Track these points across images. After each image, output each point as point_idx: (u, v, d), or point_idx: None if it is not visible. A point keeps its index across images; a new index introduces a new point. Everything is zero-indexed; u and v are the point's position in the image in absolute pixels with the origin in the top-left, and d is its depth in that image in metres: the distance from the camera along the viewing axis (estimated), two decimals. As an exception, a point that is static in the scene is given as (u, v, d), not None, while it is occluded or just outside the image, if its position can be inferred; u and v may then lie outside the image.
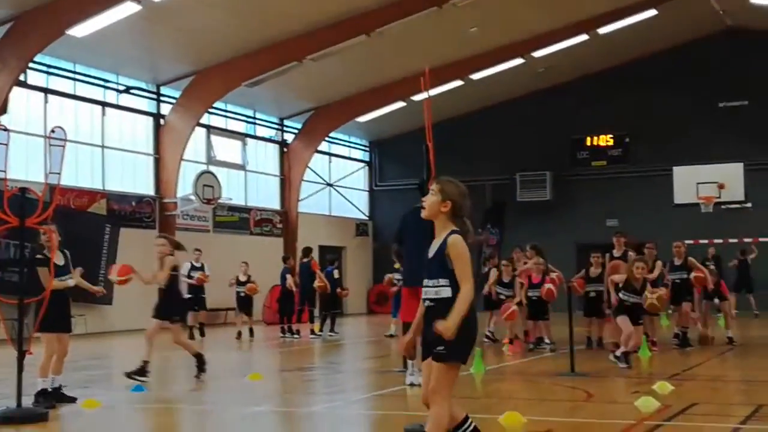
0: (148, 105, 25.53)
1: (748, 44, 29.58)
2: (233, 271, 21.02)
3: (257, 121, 29.91)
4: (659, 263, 15.36)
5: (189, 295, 20.36)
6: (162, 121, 25.50)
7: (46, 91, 22.34)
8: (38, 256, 9.47)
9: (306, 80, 26.88)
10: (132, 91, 24.77)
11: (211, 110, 26.87)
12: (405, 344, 6.01)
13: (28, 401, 9.00)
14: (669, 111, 30.29)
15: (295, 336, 20.13)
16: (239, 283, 20.79)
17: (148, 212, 24.83)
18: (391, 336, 18.98)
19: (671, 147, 29.23)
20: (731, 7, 28.50)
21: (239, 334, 20.15)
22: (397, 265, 18.14)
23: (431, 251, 5.50)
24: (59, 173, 9.71)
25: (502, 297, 16.23)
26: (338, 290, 21.28)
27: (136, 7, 19.51)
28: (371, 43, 24.54)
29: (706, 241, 25.46)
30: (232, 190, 27.79)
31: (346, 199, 34.08)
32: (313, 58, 24.69)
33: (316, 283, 20.21)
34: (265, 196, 30.07)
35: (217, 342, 19.92)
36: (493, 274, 16.79)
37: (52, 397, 9.41)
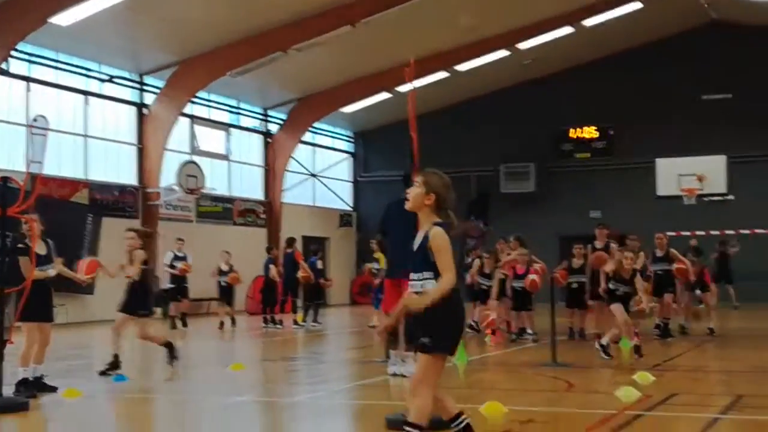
0: (131, 94, 25.39)
1: (732, 37, 29.70)
2: (216, 262, 20.97)
3: (241, 111, 29.81)
4: (642, 254, 15.42)
5: (172, 285, 20.38)
6: (145, 111, 25.38)
7: (29, 79, 22.19)
8: (19, 245, 9.42)
9: (291, 70, 26.80)
10: (115, 80, 24.64)
11: (194, 100, 26.77)
12: (383, 329, 6.11)
13: (9, 390, 8.96)
14: (653, 103, 30.39)
15: (278, 326, 20.12)
16: (221, 273, 20.75)
17: (130, 202, 24.74)
18: (374, 327, 19.00)
19: (655, 139, 29.35)
20: (715, 1, 28.62)
21: (221, 324, 20.12)
22: (375, 255, 18.20)
23: (415, 244, 5.55)
24: (41, 162, 9.67)
25: (483, 287, 16.22)
26: (321, 281, 21.27)
27: (119, -4, 19.42)
28: (356, 33, 24.48)
29: (688, 233, 25.58)
30: (216, 180, 27.70)
31: (330, 189, 34.04)
32: (297, 48, 24.63)
33: (300, 274, 20.20)
34: (249, 186, 30.00)
35: (200, 332, 19.91)
36: (476, 265, 16.81)
37: (33, 387, 9.38)
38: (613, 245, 15.19)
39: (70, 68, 23.35)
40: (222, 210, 28.33)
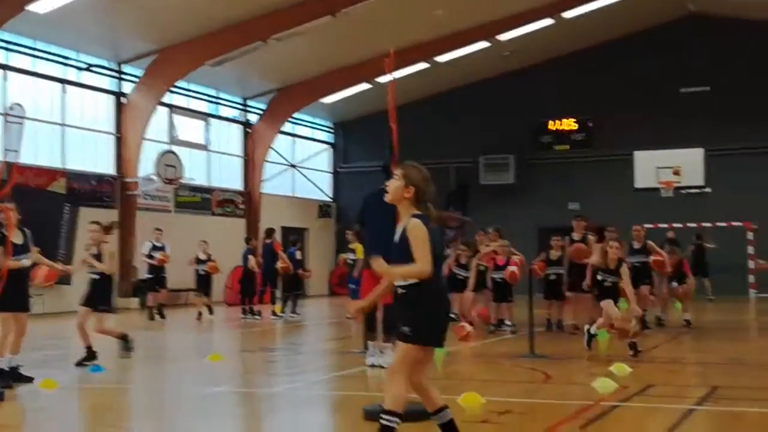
0: (109, 83, 25.21)
1: (710, 30, 29.84)
2: (195, 252, 20.90)
3: (221, 101, 29.68)
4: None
5: (149, 276, 20.29)
6: (123, 100, 25.21)
7: (5, 67, 21.97)
8: (-5, 234, 9.36)
9: (270, 60, 26.70)
10: (93, 68, 24.45)
11: (173, 89, 26.61)
12: (359, 309, 6.19)
13: (-16, 381, 8.91)
14: (632, 96, 30.51)
15: (257, 317, 20.09)
16: (198, 262, 20.69)
17: (108, 192, 24.58)
18: (351, 318, 18.99)
19: (633, 132, 29.46)
20: (694, -7, 28.78)
21: (200, 315, 20.07)
22: (351, 246, 18.18)
23: (396, 236, 5.60)
24: (17, 151, 9.59)
25: (459, 277, 16.22)
26: (300, 272, 21.24)
27: (97, -16, 19.27)
28: (337, 23, 24.41)
29: (665, 225, 25.74)
30: (195, 170, 27.58)
31: (309, 180, 33.98)
32: (278, 38, 24.53)
33: (279, 264, 20.17)
34: (228, 176, 29.89)
35: (178, 323, 19.84)
36: (452, 255, 16.82)
37: (9, 377, 9.33)
38: (591, 237, 15.26)
39: (47, 56, 23.14)
40: (201, 200, 28.22)
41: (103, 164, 24.87)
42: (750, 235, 28.51)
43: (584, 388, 8.79)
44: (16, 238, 9.50)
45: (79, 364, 10.84)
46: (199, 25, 23.63)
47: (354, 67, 28.64)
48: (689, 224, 27.29)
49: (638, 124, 29.80)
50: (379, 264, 5.54)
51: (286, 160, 32.85)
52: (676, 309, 17.92)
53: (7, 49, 21.96)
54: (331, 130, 35.48)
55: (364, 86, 30.12)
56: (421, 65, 29.15)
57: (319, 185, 34.57)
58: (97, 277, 11.02)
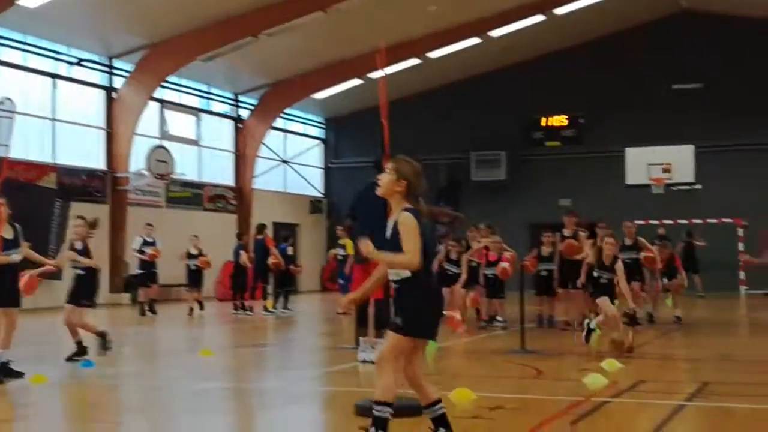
0: (100, 78, 25.12)
1: (702, 27, 29.87)
2: (186, 247, 20.87)
3: (212, 96, 29.62)
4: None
5: (141, 271, 20.24)
6: (114, 95, 25.12)
7: (-5, 61, 21.93)
8: (-15, 229, 9.32)
9: (262, 56, 26.65)
10: (84, 63, 24.36)
11: (164, 84, 26.52)
12: (350, 301, 6.21)
13: (-26, 376, 8.88)
14: (623, 92, 30.54)
15: (248, 312, 20.07)
16: (190, 257, 20.65)
17: (99, 187, 24.51)
18: (342, 314, 18.99)
19: (625, 128, 29.50)
20: (686, -10, 28.82)
21: (191, 310, 20.04)
22: (341, 241, 18.17)
23: (387, 230, 5.61)
24: (8, 145, 9.55)
25: (450, 273, 16.22)
26: (292, 267, 21.24)
27: (88, -22, 19.20)
28: (328, 19, 24.38)
29: (656, 222, 25.80)
30: (186, 166, 27.51)
31: (300, 176, 33.95)
32: (269, 33, 24.48)
33: (271, 260, 20.15)
34: (219, 171, 29.84)
35: (169, 318, 19.81)
36: (443, 251, 16.82)
37: (0, 372, 9.29)
38: (582, 233, 15.27)
39: (38, 50, 23.04)
40: (192, 195, 28.16)
41: (94, 159, 24.78)
42: (740, 232, 28.60)
43: (575, 383, 8.81)
44: (7, 233, 9.46)
45: (70, 359, 10.81)
46: (190, 20, 23.56)
47: (345, 63, 28.61)
48: (680, 221, 27.36)
49: (630, 121, 29.84)
50: (366, 245, 5.54)
51: (277, 155, 32.81)
52: (667, 305, 17.95)
53: (-3, 43, 21.90)
54: (323, 126, 35.45)
55: (356, 82, 30.10)
56: (413, 61, 29.13)
57: (311, 181, 34.54)
58: (81, 272, 10.96)
